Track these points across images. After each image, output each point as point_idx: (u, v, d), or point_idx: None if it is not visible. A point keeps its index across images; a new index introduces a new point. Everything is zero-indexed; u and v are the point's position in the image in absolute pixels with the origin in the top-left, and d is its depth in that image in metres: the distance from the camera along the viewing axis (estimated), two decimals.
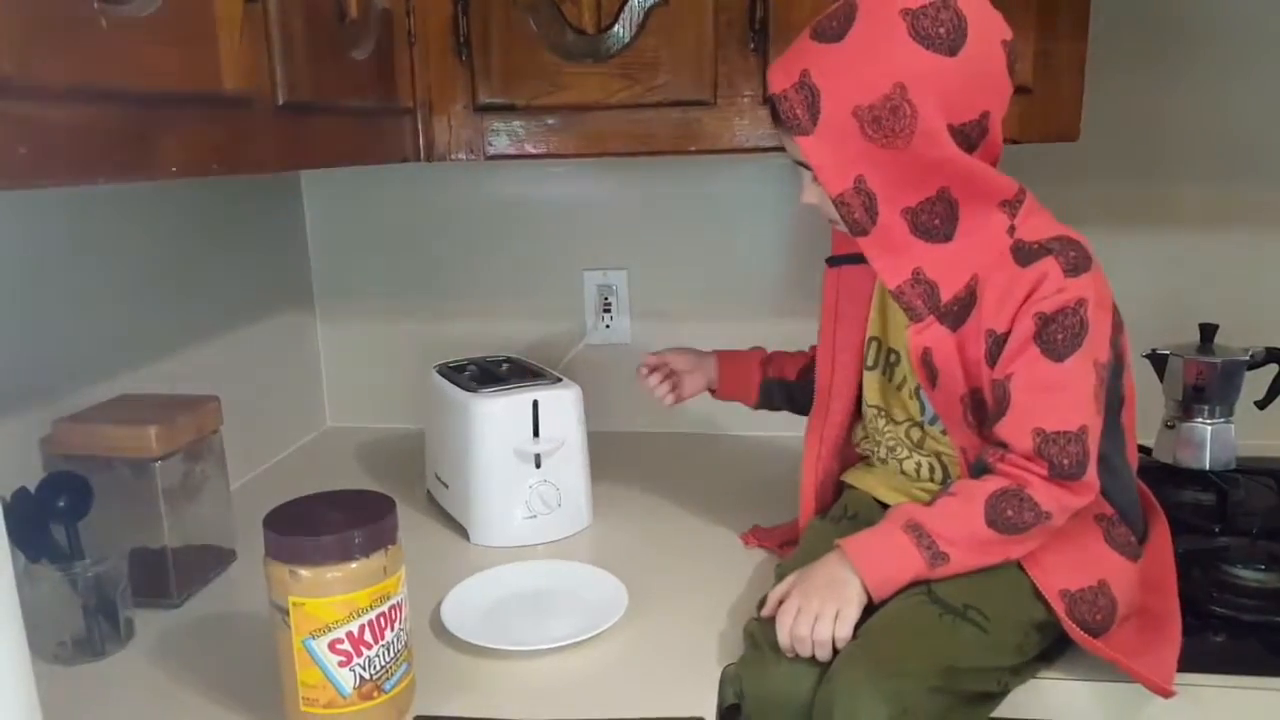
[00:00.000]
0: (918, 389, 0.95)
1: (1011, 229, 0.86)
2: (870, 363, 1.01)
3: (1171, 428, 1.25)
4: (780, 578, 0.96)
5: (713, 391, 1.18)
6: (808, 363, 1.13)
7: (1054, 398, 0.83)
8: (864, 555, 0.85)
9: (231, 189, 1.37)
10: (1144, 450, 1.28)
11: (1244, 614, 0.94)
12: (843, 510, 1.02)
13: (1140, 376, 1.27)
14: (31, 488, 0.91)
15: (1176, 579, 0.92)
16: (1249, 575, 0.98)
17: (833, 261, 1.03)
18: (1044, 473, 0.83)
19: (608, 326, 1.55)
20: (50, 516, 0.92)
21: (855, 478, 1.05)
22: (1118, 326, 0.90)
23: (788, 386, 1.15)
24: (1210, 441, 1.23)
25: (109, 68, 0.62)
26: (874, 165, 0.83)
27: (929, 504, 0.88)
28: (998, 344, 0.85)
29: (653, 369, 1.16)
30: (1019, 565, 0.86)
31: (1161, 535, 0.96)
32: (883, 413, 1.00)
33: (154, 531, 1.00)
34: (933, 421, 0.95)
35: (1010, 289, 0.84)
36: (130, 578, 0.95)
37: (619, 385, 1.55)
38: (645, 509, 1.25)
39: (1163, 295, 1.42)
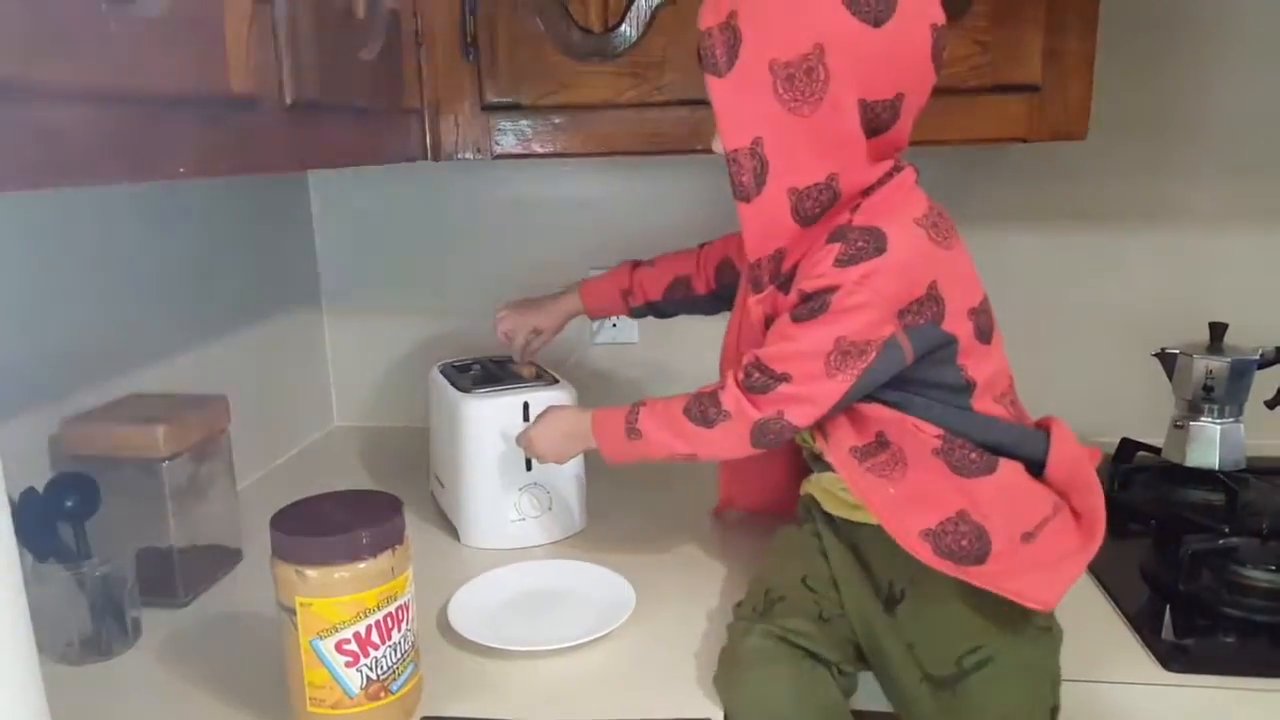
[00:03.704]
0: None
1: (856, 207, 0.85)
2: None
3: (1181, 427, 1.25)
4: (754, 588, 0.95)
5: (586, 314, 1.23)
6: (673, 280, 1.17)
7: (778, 345, 0.87)
8: (599, 422, 0.98)
9: (239, 188, 1.37)
10: (1153, 450, 1.28)
11: (1255, 615, 0.94)
12: (803, 514, 1.02)
13: (1149, 375, 1.28)
14: (39, 487, 0.91)
15: (1091, 474, 0.88)
16: (1259, 576, 0.97)
17: None
18: (738, 378, 0.89)
19: (614, 326, 1.55)
20: (58, 516, 0.92)
21: (805, 484, 1.04)
22: (915, 312, 0.83)
23: (656, 307, 1.19)
24: (1219, 441, 1.22)
25: (117, 69, 0.62)
26: (776, 130, 0.82)
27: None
28: None
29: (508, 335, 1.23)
30: (963, 585, 0.83)
31: (1062, 438, 0.90)
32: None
33: (161, 531, 1.00)
34: None
35: (806, 261, 0.86)
36: (137, 577, 0.95)
37: (625, 385, 1.55)
38: (643, 511, 1.24)
39: (1172, 294, 1.41)
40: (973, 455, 0.86)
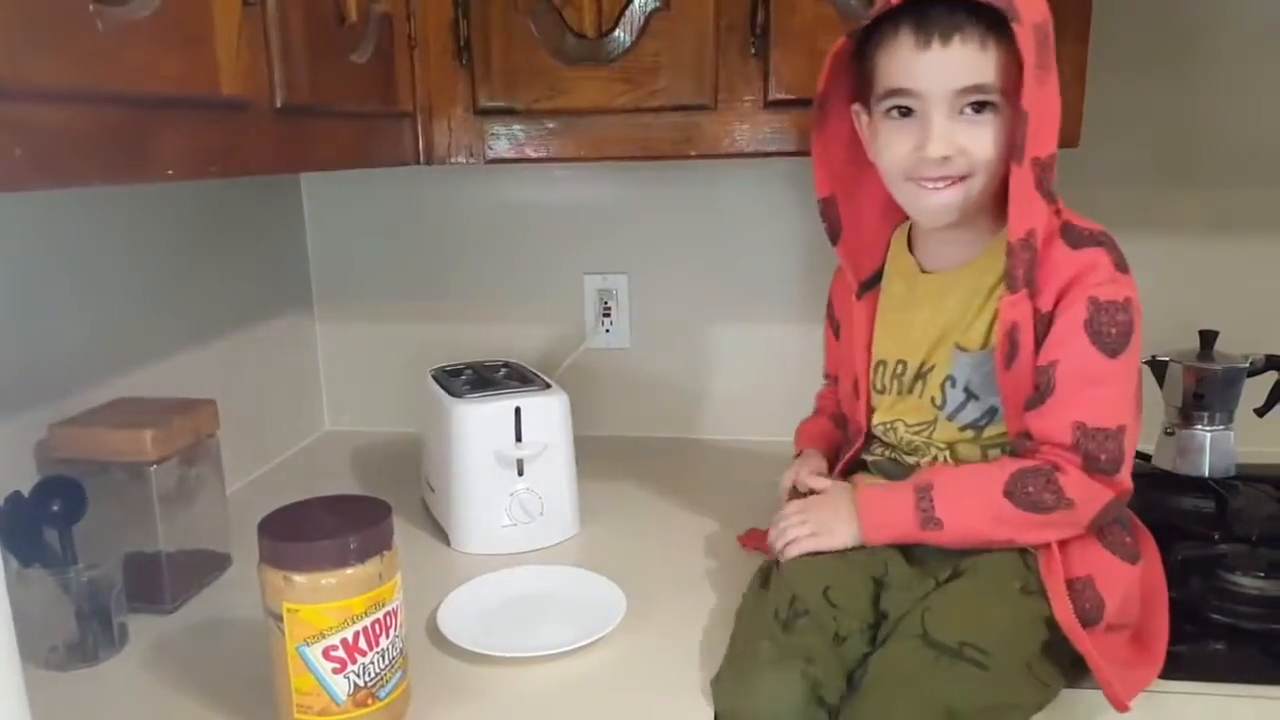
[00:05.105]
0: (943, 383, 0.92)
1: (1058, 211, 0.86)
2: (879, 386, 0.98)
3: (1171, 434, 1.25)
4: (758, 580, 0.94)
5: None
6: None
7: (1098, 392, 0.81)
8: (868, 505, 0.89)
9: (230, 191, 1.37)
10: (1143, 457, 1.28)
11: (1244, 621, 0.93)
12: None
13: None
14: (25, 492, 0.91)
15: (1167, 597, 0.90)
16: (1248, 583, 0.97)
17: (863, 290, 1.00)
18: (1079, 463, 0.81)
19: (607, 331, 1.55)
20: (44, 521, 0.91)
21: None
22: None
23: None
24: (1210, 448, 1.22)
25: (105, 70, 0.62)
26: (1033, 92, 0.81)
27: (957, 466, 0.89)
28: (1044, 324, 0.83)
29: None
30: (1021, 589, 0.83)
31: (1151, 553, 0.93)
32: (891, 427, 0.97)
33: (149, 536, 0.99)
34: (951, 416, 0.92)
35: (1057, 269, 0.82)
36: (124, 583, 0.95)
37: (618, 390, 1.55)
38: (637, 515, 1.24)
39: (1163, 302, 1.40)
40: (1128, 539, 0.87)
